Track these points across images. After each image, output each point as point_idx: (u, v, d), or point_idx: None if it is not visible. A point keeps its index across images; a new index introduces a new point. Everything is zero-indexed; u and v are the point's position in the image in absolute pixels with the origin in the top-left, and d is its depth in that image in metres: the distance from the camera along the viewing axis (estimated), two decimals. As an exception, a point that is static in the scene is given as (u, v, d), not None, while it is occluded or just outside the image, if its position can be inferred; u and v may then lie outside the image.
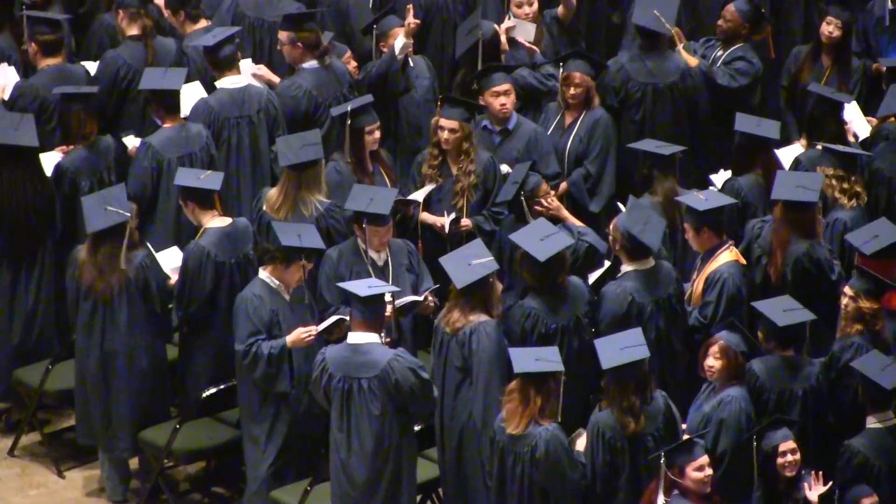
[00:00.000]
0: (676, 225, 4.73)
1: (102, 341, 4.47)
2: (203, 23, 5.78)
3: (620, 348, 3.70)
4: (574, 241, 4.38)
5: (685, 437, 3.72)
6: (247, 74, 5.54)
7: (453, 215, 4.98)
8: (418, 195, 4.96)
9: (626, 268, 4.32)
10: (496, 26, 5.72)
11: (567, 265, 4.22)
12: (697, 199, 4.49)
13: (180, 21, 5.80)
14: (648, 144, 4.96)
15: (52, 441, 5.02)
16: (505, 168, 5.10)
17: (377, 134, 5.01)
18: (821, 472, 3.69)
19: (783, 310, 3.98)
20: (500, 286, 4.22)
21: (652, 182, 4.81)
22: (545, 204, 4.68)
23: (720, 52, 5.79)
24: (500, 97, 5.18)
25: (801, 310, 4.00)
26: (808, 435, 3.95)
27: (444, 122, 4.94)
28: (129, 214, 4.49)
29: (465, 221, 4.94)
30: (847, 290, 4.10)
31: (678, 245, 4.79)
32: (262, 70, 5.71)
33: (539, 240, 4.12)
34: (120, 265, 4.41)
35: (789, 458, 3.60)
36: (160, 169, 5.05)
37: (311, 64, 5.48)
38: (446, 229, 4.94)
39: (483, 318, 3.98)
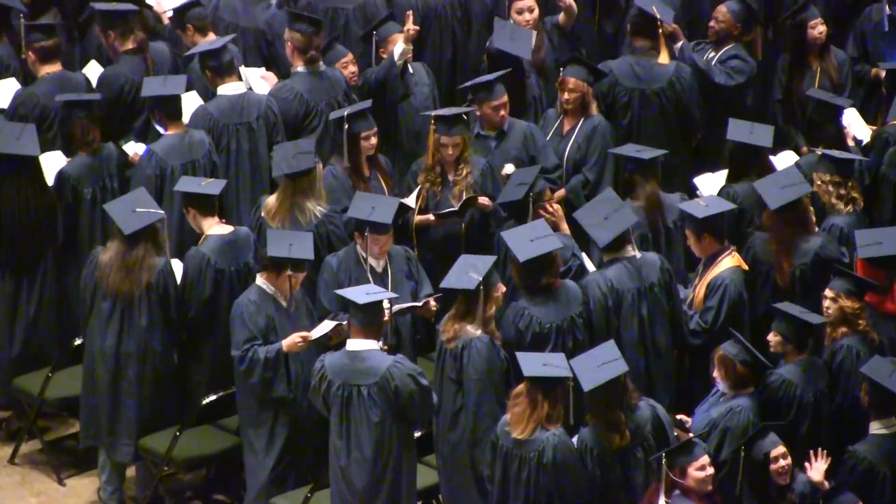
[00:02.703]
0: (659, 228, 4.77)
1: (118, 343, 4.47)
2: (212, 35, 5.78)
3: (597, 366, 3.68)
4: (561, 247, 4.35)
5: (689, 436, 3.73)
6: (254, 80, 5.57)
7: (416, 192, 5.01)
8: (410, 200, 4.97)
9: (605, 257, 4.36)
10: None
11: (555, 269, 4.21)
12: (697, 206, 4.50)
13: (190, 36, 5.79)
14: (628, 149, 4.99)
15: (53, 449, 5.02)
16: (510, 167, 5.10)
17: (374, 140, 5.01)
18: (822, 450, 3.68)
19: (800, 311, 4.00)
20: (501, 291, 4.19)
21: (634, 187, 4.82)
22: (549, 210, 4.69)
23: (711, 54, 5.80)
24: (501, 110, 5.21)
25: (809, 311, 4.03)
26: (822, 439, 3.96)
27: (446, 139, 4.94)
28: (161, 213, 4.53)
29: (484, 199, 4.94)
30: (827, 292, 4.10)
31: (660, 248, 4.78)
32: (270, 75, 5.75)
33: (528, 240, 4.13)
34: (154, 265, 4.45)
35: (781, 463, 3.59)
36: (163, 176, 5.06)
37: (304, 68, 5.51)
38: (414, 204, 4.95)
39: (478, 332, 3.98)
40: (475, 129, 5.29)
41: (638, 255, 4.33)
